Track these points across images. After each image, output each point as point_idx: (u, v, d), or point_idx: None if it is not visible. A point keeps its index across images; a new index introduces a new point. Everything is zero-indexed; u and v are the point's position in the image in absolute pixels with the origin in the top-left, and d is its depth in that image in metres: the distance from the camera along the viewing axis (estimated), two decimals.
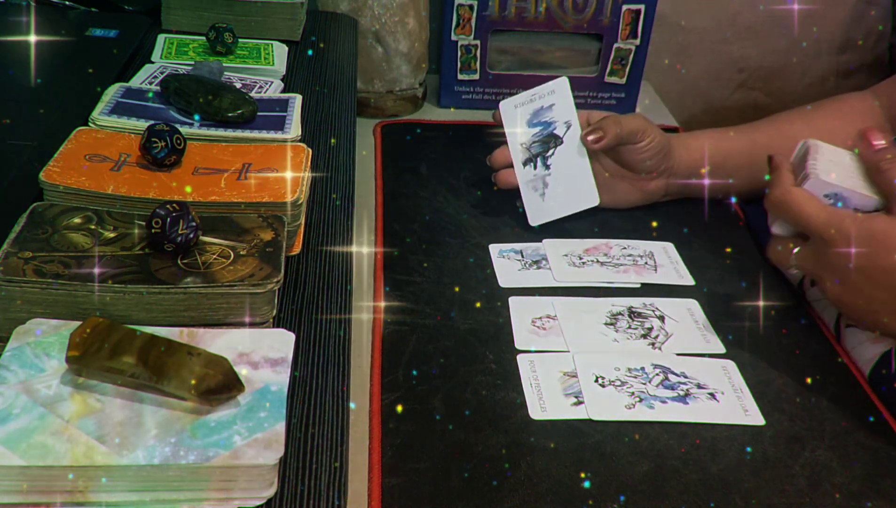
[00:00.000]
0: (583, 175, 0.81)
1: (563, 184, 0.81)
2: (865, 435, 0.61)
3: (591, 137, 0.79)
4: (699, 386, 0.64)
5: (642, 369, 0.65)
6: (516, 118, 0.82)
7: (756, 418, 0.62)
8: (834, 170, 0.64)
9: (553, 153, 0.80)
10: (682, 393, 0.63)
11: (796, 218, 0.64)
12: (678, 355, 0.67)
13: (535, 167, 0.81)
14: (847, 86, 1.40)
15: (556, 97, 0.82)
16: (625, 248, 0.81)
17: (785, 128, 0.87)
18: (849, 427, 0.62)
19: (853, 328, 0.70)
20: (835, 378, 0.67)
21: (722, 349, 0.68)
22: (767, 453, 0.59)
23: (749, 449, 0.59)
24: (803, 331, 0.72)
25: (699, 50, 1.33)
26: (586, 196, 0.81)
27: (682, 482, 0.56)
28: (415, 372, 0.64)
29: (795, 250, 0.65)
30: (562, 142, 0.80)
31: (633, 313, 0.71)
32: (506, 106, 0.83)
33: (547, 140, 0.79)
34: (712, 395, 0.63)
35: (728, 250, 0.82)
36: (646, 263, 0.79)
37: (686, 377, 0.65)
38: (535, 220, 0.82)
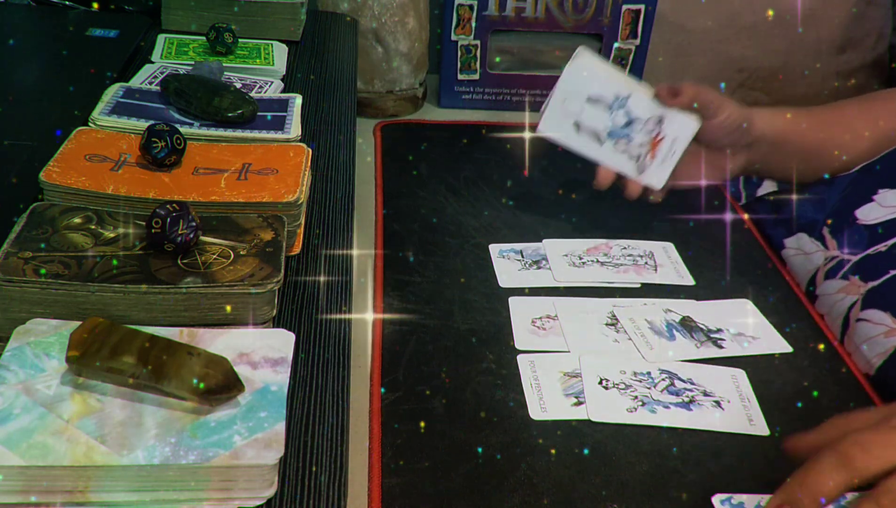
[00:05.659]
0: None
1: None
2: None
3: (665, 90, 0.78)
4: (705, 394, 0.64)
5: (648, 373, 0.65)
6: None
7: (761, 428, 0.61)
8: None
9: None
10: (686, 399, 0.63)
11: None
12: (686, 361, 0.67)
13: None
14: (847, 86, 1.40)
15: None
16: (625, 248, 0.81)
17: (839, 115, 0.85)
18: None
19: (865, 321, 0.70)
20: (836, 378, 0.67)
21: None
22: (768, 453, 0.59)
23: (749, 450, 0.59)
24: (805, 330, 0.72)
25: (699, 50, 1.33)
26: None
27: (682, 482, 0.56)
28: (415, 372, 0.64)
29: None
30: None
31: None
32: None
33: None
34: (717, 403, 0.63)
35: (728, 249, 0.82)
36: (646, 263, 0.79)
37: (693, 383, 0.64)
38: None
